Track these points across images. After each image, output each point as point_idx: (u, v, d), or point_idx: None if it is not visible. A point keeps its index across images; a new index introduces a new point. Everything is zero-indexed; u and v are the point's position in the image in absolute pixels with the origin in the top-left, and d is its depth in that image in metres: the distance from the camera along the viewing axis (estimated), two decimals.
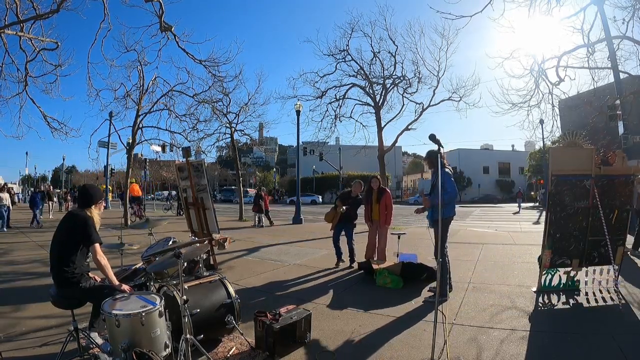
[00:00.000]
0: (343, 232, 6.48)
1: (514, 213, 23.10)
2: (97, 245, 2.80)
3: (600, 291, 4.54)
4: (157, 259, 3.43)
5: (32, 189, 19.57)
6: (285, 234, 11.46)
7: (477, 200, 40.98)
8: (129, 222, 13.07)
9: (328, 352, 3.03)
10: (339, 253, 6.49)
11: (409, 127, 13.98)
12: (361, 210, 6.53)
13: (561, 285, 4.60)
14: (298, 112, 14.92)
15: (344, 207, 6.30)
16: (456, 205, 4.65)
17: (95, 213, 3.01)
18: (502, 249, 7.90)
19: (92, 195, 3.02)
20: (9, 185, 14.28)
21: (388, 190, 6.44)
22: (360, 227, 6.93)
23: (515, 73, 14.74)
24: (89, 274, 2.92)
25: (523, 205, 27.31)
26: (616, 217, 4.59)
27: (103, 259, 2.79)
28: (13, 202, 15.45)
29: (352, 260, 6.41)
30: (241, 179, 18.04)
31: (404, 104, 14.31)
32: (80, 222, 2.82)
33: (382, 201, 6.21)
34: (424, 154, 4.80)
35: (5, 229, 11.92)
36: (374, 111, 14.20)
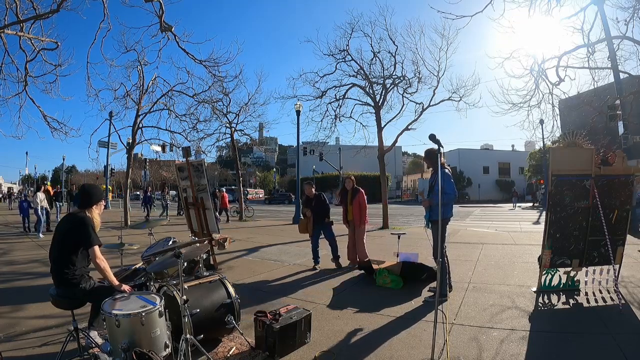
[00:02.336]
0: (322, 235, 6.38)
1: (510, 209, 26.73)
2: (96, 247, 2.76)
3: (600, 291, 4.55)
4: (157, 259, 3.43)
5: (65, 188, 18.95)
6: (284, 233, 11.46)
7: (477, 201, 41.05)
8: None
9: (328, 352, 3.03)
10: (316, 257, 6.37)
11: (409, 127, 13.95)
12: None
13: (561, 285, 4.60)
14: (298, 112, 14.92)
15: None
16: (455, 206, 4.65)
17: (96, 214, 2.98)
18: (502, 249, 7.90)
19: (92, 195, 2.99)
20: (47, 186, 13.03)
21: (361, 190, 6.40)
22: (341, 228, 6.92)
23: (515, 73, 14.70)
24: (89, 274, 2.91)
25: (523, 205, 30.30)
26: (616, 217, 4.59)
27: (102, 262, 2.75)
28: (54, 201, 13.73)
29: (335, 258, 6.33)
30: (241, 179, 18.04)
31: (404, 104, 14.26)
32: (79, 224, 2.79)
33: (356, 201, 6.19)
34: (423, 154, 4.79)
35: (41, 235, 10.40)
36: (374, 111, 14.15)
